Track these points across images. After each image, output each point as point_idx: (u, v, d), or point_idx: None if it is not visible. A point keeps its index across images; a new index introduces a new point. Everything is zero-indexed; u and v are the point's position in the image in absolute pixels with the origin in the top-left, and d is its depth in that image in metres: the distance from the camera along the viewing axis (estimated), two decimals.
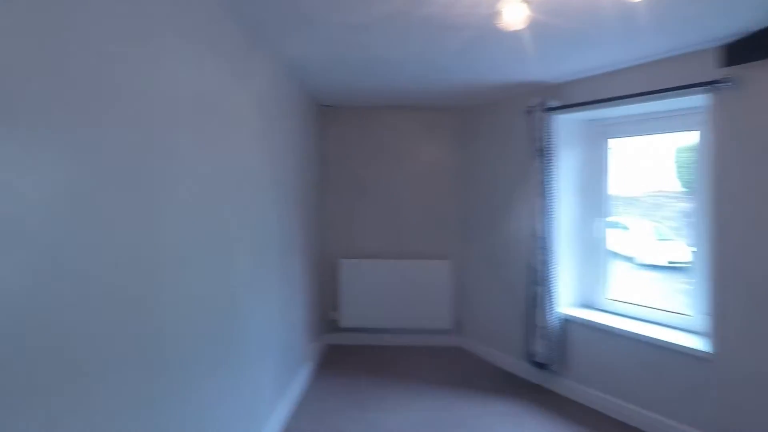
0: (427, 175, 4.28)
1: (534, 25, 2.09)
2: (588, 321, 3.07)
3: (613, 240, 3.31)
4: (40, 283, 0.99)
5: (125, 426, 1.27)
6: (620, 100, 2.76)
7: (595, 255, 3.33)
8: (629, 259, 3.36)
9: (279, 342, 2.78)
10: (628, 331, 2.83)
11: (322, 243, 4.18)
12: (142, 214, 1.35)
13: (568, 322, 3.20)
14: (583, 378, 3.11)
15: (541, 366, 3.24)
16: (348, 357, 3.97)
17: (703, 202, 2.64)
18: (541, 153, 3.16)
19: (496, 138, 3.82)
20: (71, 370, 1.08)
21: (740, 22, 2.08)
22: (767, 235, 2.22)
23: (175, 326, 1.54)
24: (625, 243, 3.35)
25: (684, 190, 2.97)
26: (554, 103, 3.14)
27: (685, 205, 2.93)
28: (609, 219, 3.30)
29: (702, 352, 2.48)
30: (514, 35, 2.20)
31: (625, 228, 3.36)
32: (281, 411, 2.75)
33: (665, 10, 1.96)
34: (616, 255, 3.33)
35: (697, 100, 2.49)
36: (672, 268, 3.15)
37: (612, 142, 3.25)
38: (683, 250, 2.91)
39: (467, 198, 4.18)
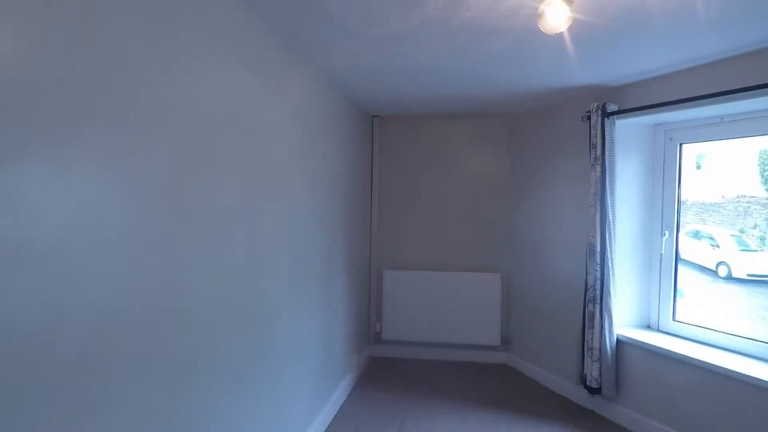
0: (477, 184, 4.15)
1: (584, 26, 1.95)
2: (648, 344, 2.80)
3: (690, 250, 3.01)
4: (64, 297, 1.01)
5: None
6: (696, 102, 2.48)
7: (662, 271, 3.05)
8: (708, 270, 3.04)
9: (318, 355, 2.77)
10: (694, 358, 2.55)
11: (368, 254, 4.15)
12: (172, 228, 1.37)
13: (626, 344, 2.94)
14: (641, 406, 2.85)
15: (593, 390, 3.01)
16: (390, 370, 3.90)
17: None
18: (600, 160, 2.94)
19: (550, 145, 3.62)
20: (94, 384, 1.10)
21: None
22: None
23: (203, 341, 1.55)
24: (703, 253, 3.03)
25: None
26: (613, 107, 2.91)
27: None
28: (684, 229, 2.99)
29: None
30: (560, 37, 2.06)
31: (705, 237, 3.04)
32: (319, 424, 2.73)
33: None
34: (693, 266, 3.02)
35: None
36: (754, 282, 2.83)
37: (684, 147, 2.96)
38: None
39: (519, 208, 3.99)
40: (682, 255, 3.01)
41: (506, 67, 2.61)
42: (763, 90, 2.17)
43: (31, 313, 0.95)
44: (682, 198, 2.98)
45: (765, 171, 2.72)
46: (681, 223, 2.99)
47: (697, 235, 3.03)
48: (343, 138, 3.27)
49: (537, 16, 1.62)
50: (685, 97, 2.52)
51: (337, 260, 3.16)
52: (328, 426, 2.89)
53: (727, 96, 2.33)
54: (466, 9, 1.82)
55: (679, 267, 2.99)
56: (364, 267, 4.04)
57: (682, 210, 2.99)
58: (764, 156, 2.72)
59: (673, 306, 3.00)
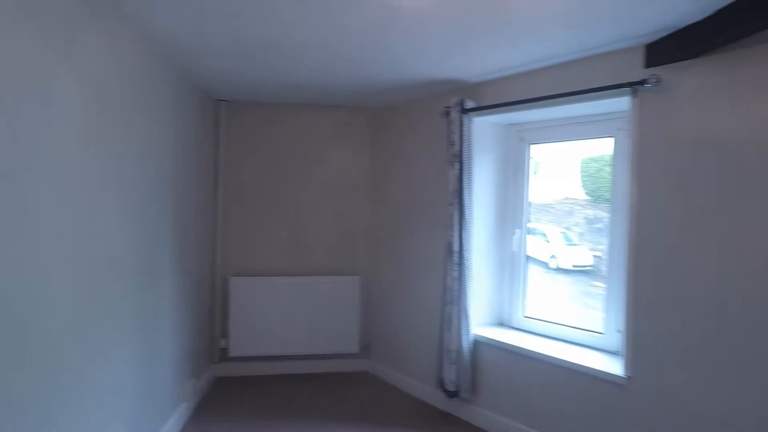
0: (337, 181, 3.86)
1: (441, 8, 1.78)
2: (500, 342, 2.81)
3: (528, 245, 3.18)
4: None
5: None
6: (538, 102, 2.54)
7: (513, 270, 3.11)
8: (543, 264, 3.27)
9: (134, 387, 2.18)
10: (539, 353, 2.61)
11: (211, 259, 3.58)
12: None
13: (482, 344, 2.92)
14: (495, 405, 2.84)
15: (451, 393, 2.93)
16: (238, 391, 3.39)
17: (618, 212, 2.50)
18: (458, 159, 2.87)
19: (412, 141, 3.50)
20: None
21: (664, 17, 1.89)
22: (690, 248, 2.07)
23: None
24: (538, 249, 3.27)
25: (589, 198, 3.03)
26: (471, 104, 2.87)
27: (591, 213, 2.99)
28: (527, 228, 3.14)
29: (616, 376, 2.28)
30: (419, 19, 1.86)
31: (539, 234, 3.27)
32: None
33: (580, 4, 1.73)
34: (531, 260, 3.20)
35: (616, 104, 2.33)
36: (577, 272, 3.15)
37: (532, 149, 3.07)
38: (587, 255, 2.96)
39: (380, 208, 3.81)
40: (527, 253, 3.15)
41: (364, 49, 2.35)
42: (602, 92, 2.26)
43: None
44: (530, 199, 3.10)
45: (584, 177, 3.03)
46: (528, 224, 3.12)
47: (533, 232, 3.24)
48: (174, 122, 2.69)
49: None
50: (535, 96, 2.56)
51: (165, 271, 2.59)
52: None
53: (569, 97, 2.39)
54: None
55: (526, 266, 3.12)
56: (206, 275, 3.47)
57: (529, 211, 3.11)
58: (585, 164, 3.03)
59: (524, 302, 3.08)
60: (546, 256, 3.25)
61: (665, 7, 1.79)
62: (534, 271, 3.17)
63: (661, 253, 2.15)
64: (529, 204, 3.10)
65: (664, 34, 2.04)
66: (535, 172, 3.16)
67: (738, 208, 1.91)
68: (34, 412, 1.45)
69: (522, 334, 2.92)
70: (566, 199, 3.16)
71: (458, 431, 2.87)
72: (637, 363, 2.22)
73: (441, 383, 3.00)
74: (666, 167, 2.12)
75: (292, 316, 3.64)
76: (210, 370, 3.53)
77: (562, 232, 3.20)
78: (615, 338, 2.52)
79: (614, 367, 2.36)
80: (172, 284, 2.69)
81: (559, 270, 3.19)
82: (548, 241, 3.24)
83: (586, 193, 3.05)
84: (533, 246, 3.21)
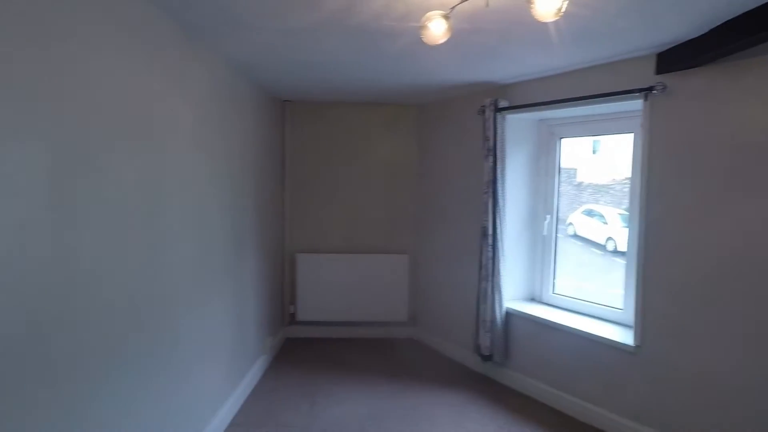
0: (387, 170, 4.33)
1: (467, 35, 2.15)
2: (529, 315, 3.20)
3: (585, 227, 3.41)
4: None
5: None
6: (563, 103, 2.84)
7: (545, 251, 3.45)
8: (599, 245, 3.44)
9: (230, 342, 2.84)
10: (563, 325, 2.97)
11: (281, 238, 4.21)
12: (57, 228, 1.37)
13: (512, 316, 3.33)
14: (524, 369, 3.26)
15: (486, 357, 3.38)
16: (304, 350, 4.05)
17: (636, 201, 2.77)
18: (492, 151, 3.23)
19: (452, 135, 3.89)
20: None
21: (665, 35, 2.16)
22: (687, 235, 2.35)
23: (97, 344, 1.57)
24: (596, 231, 3.44)
25: None
26: (504, 103, 3.20)
27: None
28: (581, 208, 3.38)
29: (626, 345, 2.62)
30: (448, 42, 2.24)
31: (597, 215, 3.43)
32: (231, 405, 2.82)
33: (594, 23, 2.03)
34: (587, 242, 3.42)
35: (634, 104, 2.59)
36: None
37: (565, 141, 3.35)
38: None
39: (425, 194, 4.25)
40: (578, 232, 3.41)
41: (404, 64, 2.76)
42: (619, 95, 2.53)
43: None
44: (578, 180, 3.39)
45: None
46: (559, 211, 3.41)
47: (590, 213, 3.42)
48: (251, 123, 3.28)
49: (420, 28, 1.77)
50: (559, 98, 2.86)
51: (248, 247, 3.21)
52: (241, 407, 2.99)
53: (591, 99, 2.68)
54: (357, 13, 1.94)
55: (572, 242, 3.40)
56: (278, 252, 4.10)
57: (579, 191, 3.39)
58: None
59: (553, 281, 3.43)
60: (603, 239, 3.35)
61: (666, 29, 2.07)
62: (580, 252, 3.34)
63: (665, 238, 2.44)
64: (579, 185, 3.34)
65: (671, 46, 2.29)
66: (594, 152, 3.35)
67: (734, 198, 2.17)
68: (172, 342, 2.09)
69: (550, 309, 3.28)
70: (626, 179, 3.18)
71: (492, 390, 3.32)
72: (645, 334, 2.55)
73: (477, 349, 3.44)
74: (671, 161, 2.40)
75: (349, 287, 4.22)
76: (282, 331, 4.21)
77: (620, 214, 3.22)
78: (632, 313, 2.83)
79: (626, 337, 2.69)
80: (254, 259, 3.33)
81: (616, 252, 3.27)
82: (606, 223, 3.35)
83: None
84: (590, 228, 3.36)
